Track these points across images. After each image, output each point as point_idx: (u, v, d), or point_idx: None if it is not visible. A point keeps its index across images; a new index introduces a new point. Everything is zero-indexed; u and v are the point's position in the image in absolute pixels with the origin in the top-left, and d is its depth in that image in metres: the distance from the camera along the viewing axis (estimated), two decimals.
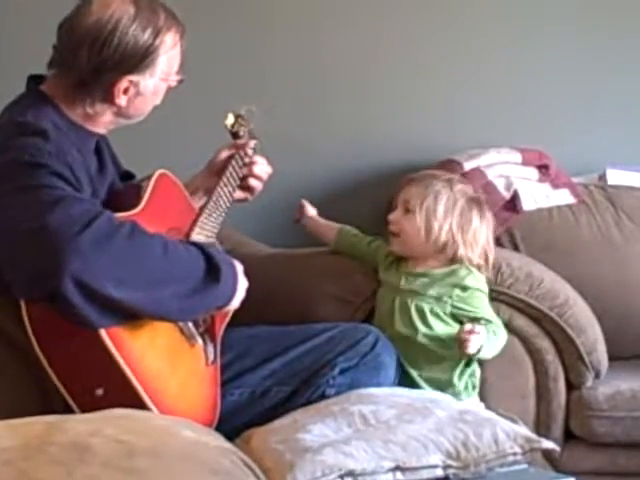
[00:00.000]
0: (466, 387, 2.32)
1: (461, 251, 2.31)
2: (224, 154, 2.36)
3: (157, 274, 1.81)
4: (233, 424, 2.01)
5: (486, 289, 2.36)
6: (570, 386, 2.55)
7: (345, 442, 1.80)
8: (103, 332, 1.77)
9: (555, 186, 2.98)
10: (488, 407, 2.26)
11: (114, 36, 1.97)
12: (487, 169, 2.92)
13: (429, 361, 2.30)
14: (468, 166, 2.96)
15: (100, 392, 1.80)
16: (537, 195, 2.92)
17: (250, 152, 2.36)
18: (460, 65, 3.30)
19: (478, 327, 2.21)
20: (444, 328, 2.29)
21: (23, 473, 1.26)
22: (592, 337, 2.56)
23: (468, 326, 2.21)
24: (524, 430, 1.92)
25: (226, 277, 1.93)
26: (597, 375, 2.59)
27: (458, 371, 2.30)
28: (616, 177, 3.17)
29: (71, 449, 1.27)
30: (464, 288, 2.31)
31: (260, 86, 3.16)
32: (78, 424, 1.37)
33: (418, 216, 2.32)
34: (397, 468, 1.76)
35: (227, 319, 2.16)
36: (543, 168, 3.00)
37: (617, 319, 2.77)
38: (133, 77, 2.01)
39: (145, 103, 2.09)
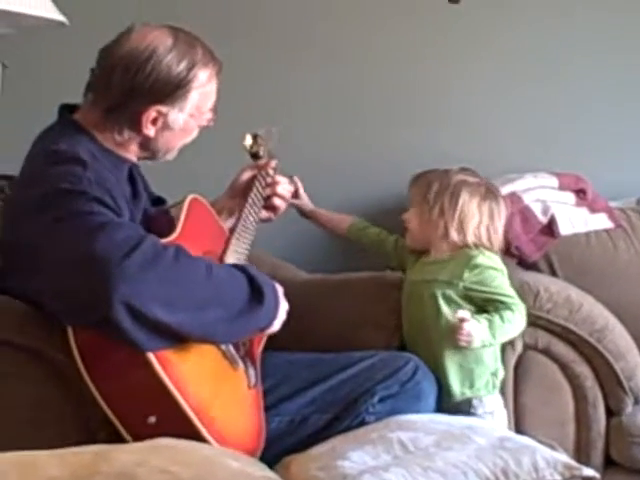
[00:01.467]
0: (487, 384, 2.32)
1: (453, 233, 2.34)
2: (246, 175, 2.39)
3: (203, 296, 1.82)
4: (273, 451, 2.00)
5: (501, 267, 2.36)
6: (610, 412, 2.53)
7: (384, 469, 1.79)
8: (152, 356, 1.77)
9: (592, 210, 2.97)
10: (527, 434, 2.24)
11: (148, 64, 2.00)
12: (524, 194, 2.92)
13: (446, 350, 2.30)
14: (504, 190, 2.95)
15: (153, 420, 1.79)
16: (574, 220, 2.91)
17: (271, 172, 2.39)
18: (497, 90, 3.31)
19: (467, 324, 2.20)
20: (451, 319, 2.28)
21: None
22: (631, 362, 2.54)
23: (460, 313, 2.22)
24: (564, 457, 1.90)
25: (269, 298, 1.94)
26: (637, 401, 2.57)
27: (477, 363, 2.31)
28: None
29: (117, 479, 1.28)
30: (474, 267, 2.32)
31: (281, 107, 3.20)
32: (124, 454, 1.38)
33: (416, 207, 2.41)
34: None
35: (263, 341, 2.16)
36: (580, 192, 2.99)
37: None
38: (162, 108, 2.03)
39: (174, 138, 2.10)
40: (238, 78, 3.02)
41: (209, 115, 2.14)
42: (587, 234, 2.93)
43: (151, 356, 1.77)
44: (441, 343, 2.30)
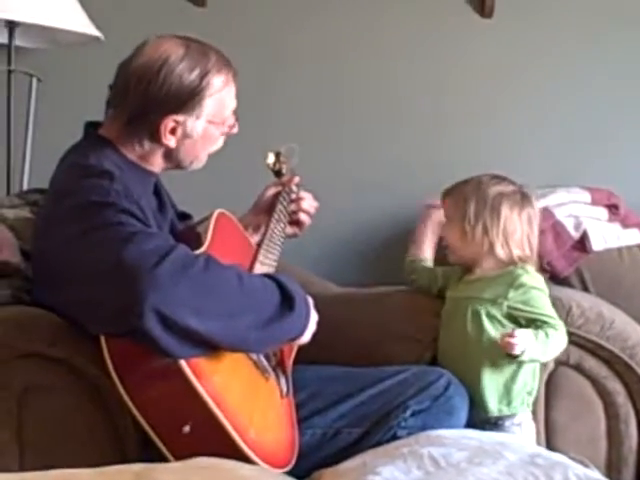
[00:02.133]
0: (522, 402, 2.31)
1: (499, 250, 2.32)
2: (270, 192, 2.42)
3: (234, 304, 1.82)
4: (304, 464, 2.00)
5: (544, 287, 2.34)
6: None
7: None
8: (184, 363, 1.78)
9: (625, 226, 2.95)
10: (558, 450, 2.23)
11: (160, 74, 2.02)
12: (556, 209, 2.91)
13: (486, 367, 2.28)
14: (537, 205, 2.95)
15: (187, 429, 1.79)
16: (607, 235, 2.90)
17: (295, 188, 2.42)
18: (529, 103, 3.30)
19: (519, 331, 2.20)
20: (501, 331, 2.27)
21: None
22: None
23: (508, 330, 2.21)
24: (596, 474, 1.88)
25: (299, 306, 1.94)
26: None
27: (515, 381, 2.29)
28: None
29: None
30: (519, 286, 2.30)
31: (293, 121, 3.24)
32: (165, 474, 1.36)
33: (455, 225, 2.37)
34: None
35: (294, 352, 2.17)
36: (613, 208, 2.97)
37: None
38: (179, 117, 2.04)
39: (195, 147, 2.11)
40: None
41: (231, 121, 2.15)
42: (619, 249, 2.90)
43: (183, 364, 1.78)
44: (481, 360, 2.28)
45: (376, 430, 2.10)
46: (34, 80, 3.04)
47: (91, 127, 2.13)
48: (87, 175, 1.94)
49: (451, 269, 2.48)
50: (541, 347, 2.23)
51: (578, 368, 2.40)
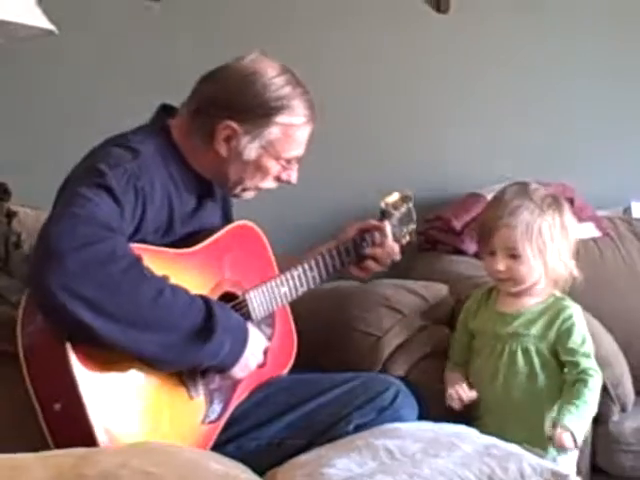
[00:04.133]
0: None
1: (556, 263, 2.23)
2: (352, 230, 2.33)
3: (140, 315, 1.77)
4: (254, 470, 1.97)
5: (583, 321, 2.29)
6: (596, 420, 2.52)
7: (370, 476, 1.78)
8: (69, 346, 1.76)
9: (580, 219, 2.95)
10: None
11: (247, 77, 2.03)
12: None
13: (530, 414, 2.24)
14: None
15: (57, 407, 1.78)
16: None
17: (390, 235, 2.31)
18: (485, 99, 3.33)
19: (564, 435, 2.14)
20: (549, 371, 2.25)
21: None
22: (618, 370, 2.55)
23: (555, 433, 2.14)
24: (551, 464, 1.90)
25: (220, 342, 1.86)
26: (623, 409, 2.58)
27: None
28: None
29: None
30: (564, 321, 2.25)
31: None
32: (107, 456, 1.38)
33: (531, 258, 2.22)
34: None
35: (251, 387, 2.13)
36: (567, 201, 2.99)
37: None
38: (239, 128, 2.02)
39: (244, 170, 2.08)
40: None
41: (290, 168, 2.12)
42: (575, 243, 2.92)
43: (68, 346, 1.76)
44: (540, 398, 2.25)
45: (320, 441, 2.05)
46: None
47: (163, 110, 2.13)
48: (117, 144, 1.96)
49: (470, 303, 2.41)
50: (585, 413, 2.19)
51: None
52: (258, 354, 2.01)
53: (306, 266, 2.21)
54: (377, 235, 2.30)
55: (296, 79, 2.09)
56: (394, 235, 2.33)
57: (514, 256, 2.22)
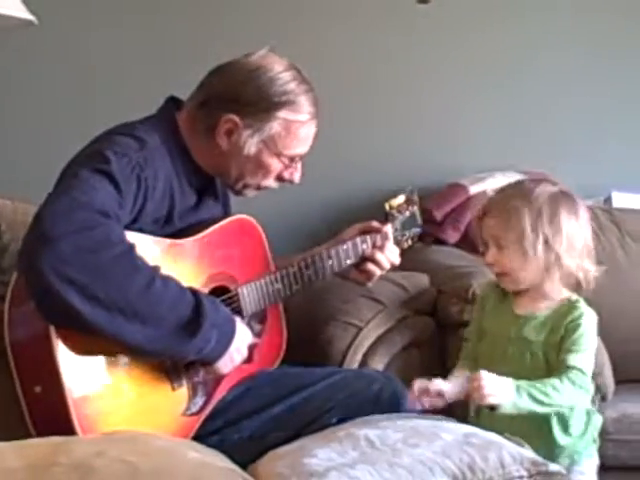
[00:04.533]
0: (586, 446, 2.15)
1: (567, 260, 2.06)
2: (353, 231, 2.31)
3: (129, 303, 1.76)
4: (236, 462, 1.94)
5: (594, 327, 2.13)
6: None
7: (351, 466, 1.78)
8: (53, 330, 1.76)
9: None
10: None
11: (254, 72, 2.03)
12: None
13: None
14: (474, 190, 2.97)
15: (38, 389, 1.78)
16: None
17: (391, 237, 2.29)
18: (466, 89, 3.33)
19: (485, 375, 1.99)
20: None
21: None
22: (598, 360, 2.53)
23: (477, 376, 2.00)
24: (530, 453, 1.90)
25: (206, 336, 1.85)
26: (603, 398, 2.59)
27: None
28: (621, 200, 3.18)
29: (76, 470, 1.28)
30: (576, 327, 2.08)
31: None
32: (82, 445, 1.38)
33: (509, 244, 2.10)
34: None
35: (235, 380, 2.11)
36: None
37: (623, 342, 2.77)
38: (238, 119, 2.02)
39: (244, 166, 2.07)
40: None
41: (292, 167, 2.11)
42: None
43: (52, 330, 1.76)
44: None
45: (303, 435, 2.05)
46: None
47: (171, 101, 2.12)
48: (123, 133, 1.95)
49: (481, 299, 2.28)
50: (538, 399, 2.02)
51: None
52: (243, 350, 2.00)
53: (302, 264, 2.20)
54: (378, 237, 2.28)
55: (302, 76, 2.09)
56: (395, 238, 2.31)
57: (500, 247, 2.13)
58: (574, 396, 2.07)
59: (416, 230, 2.40)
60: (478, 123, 3.33)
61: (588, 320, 2.12)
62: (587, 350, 2.09)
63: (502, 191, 2.19)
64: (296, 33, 3.22)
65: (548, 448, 2.09)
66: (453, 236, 3.00)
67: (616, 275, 2.90)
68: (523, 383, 2.02)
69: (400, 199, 2.33)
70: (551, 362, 2.10)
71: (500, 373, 2.03)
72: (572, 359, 2.06)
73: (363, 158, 3.28)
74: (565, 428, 2.13)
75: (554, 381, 2.04)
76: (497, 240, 2.13)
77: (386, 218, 2.30)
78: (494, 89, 3.33)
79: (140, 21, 3.17)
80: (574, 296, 2.16)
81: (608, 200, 3.21)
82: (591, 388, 2.13)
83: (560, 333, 2.09)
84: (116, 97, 3.09)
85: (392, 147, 3.31)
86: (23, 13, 2.87)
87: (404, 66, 3.31)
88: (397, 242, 2.33)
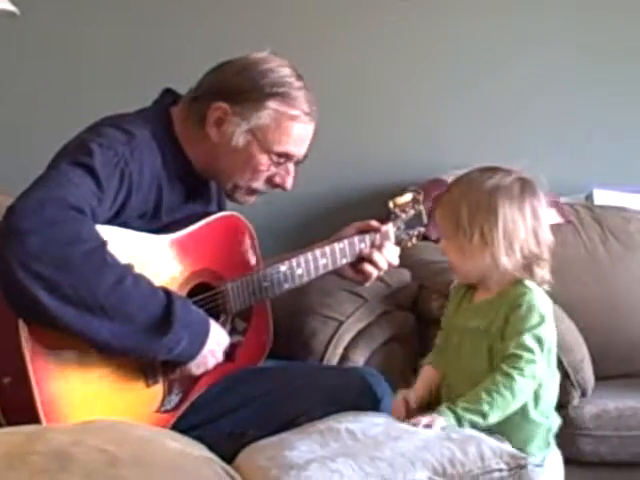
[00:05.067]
0: (539, 447, 2.05)
1: (503, 259, 1.95)
2: (351, 230, 2.28)
3: (97, 300, 1.74)
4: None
5: (545, 310, 1.98)
6: (557, 405, 2.54)
7: (331, 458, 1.78)
8: (22, 322, 1.75)
9: None
10: None
11: (251, 64, 2.03)
12: None
13: None
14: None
15: (7, 381, 1.77)
16: None
17: (392, 238, 2.26)
18: (445, 83, 3.33)
19: (426, 420, 1.91)
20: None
21: None
22: (578, 356, 2.57)
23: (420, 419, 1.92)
24: (509, 447, 1.91)
25: (176, 337, 1.83)
26: (583, 394, 2.60)
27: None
28: (603, 197, 3.19)
29: (53, 458, 1.27)
30: (517, 307, 1.96)
31: None
32: (59, 434, 1.37)
33: (449, 236, 2.02)
34: None
35: (212, 380, 2.09)
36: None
37: (603, 338, 2.78)
38: (228, 107, 2.00)
39: (234, 159, 2.05)
40: None
41: (282, 168, 2.08)
42: None
43: (21, 322, 1.75)
44: None
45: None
46: None
47: (167, 93, 2.12)
48: (113, 125, 1.94)
49: (453, 292, 2.16)
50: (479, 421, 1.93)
51: None
52: (218, 353, 1.98)
53: (294, 263, 2.17)
54: (377, 237, 2.25)
55: (300, 75, 2.08)
56: (397, 238, 2.28)
57: (446, 238, 2.04)
58: (521, 391, 1.95)
59: (420, 229, 2.36)
60: (459, 119, 3.32)
61: (530, 298, 1.97)
62: (531, 330, 1.95)
63: (452, 182, 2.09)
64: (278, 31, 3.21)
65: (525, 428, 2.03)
66: (435, 232, 3.00)
67: (597, 271, 2.93)
68: (459, 410, 1.92)
69: (407, 197, 2.28)
70: (496, 350, 1.98)
71: (460, 366, 2.01)
72: (512, 346, 1.93)
73: (343, 154, 3.27)
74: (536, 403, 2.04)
75: (488, 395, 1.92)
76: (443, 232, 2.05)
77: (388, 217, 2.26)
78: (475, 85, 3.33)
79: (125, 13, 3.15)
80: (525, 281, 2.01)
81: (589, 197, 3.22)
82: (542, 362, 1.97)
83: (502, 316, 1.97)
84: (101, 90, 3.07)
85: (373, 143, 3.30)
86: (4, 4, 2.86)
87: (384, 62, 3.30)
88: (400, 241, 2.30)
